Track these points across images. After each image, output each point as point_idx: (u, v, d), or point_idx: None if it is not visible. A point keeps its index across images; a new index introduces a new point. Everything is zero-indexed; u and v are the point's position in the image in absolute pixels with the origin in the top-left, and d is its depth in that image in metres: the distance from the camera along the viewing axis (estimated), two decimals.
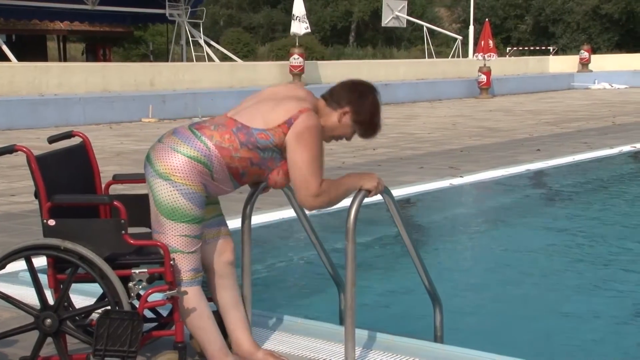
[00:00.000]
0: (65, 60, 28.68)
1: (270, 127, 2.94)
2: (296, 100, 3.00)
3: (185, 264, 2.94)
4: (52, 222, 2.90)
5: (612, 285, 4.92)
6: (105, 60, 27.30)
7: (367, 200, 3.03)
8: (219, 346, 3.01)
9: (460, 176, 8.33)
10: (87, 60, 27.77)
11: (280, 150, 2.96)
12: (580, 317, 4.33)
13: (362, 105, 3.01)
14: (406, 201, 7.07)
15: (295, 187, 2.96)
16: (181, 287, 2.92)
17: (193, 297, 2.96)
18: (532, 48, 37.64)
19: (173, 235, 2.92)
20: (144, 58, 33.90)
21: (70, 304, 3.25)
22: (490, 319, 4.26)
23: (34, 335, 2.99)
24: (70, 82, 16.74)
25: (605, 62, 29.39)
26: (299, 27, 20.91)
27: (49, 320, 2.92)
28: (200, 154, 2.91)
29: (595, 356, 3.84)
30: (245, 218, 3.21)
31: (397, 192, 3.23)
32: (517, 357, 3.17)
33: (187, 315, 2.97)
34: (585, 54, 28.77)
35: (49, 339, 2.96)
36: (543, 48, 36.45)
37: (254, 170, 3.00)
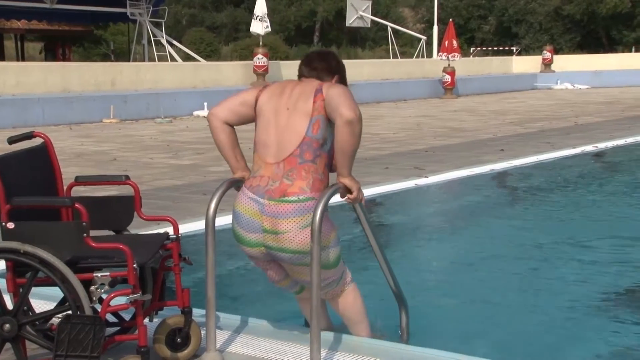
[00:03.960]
0: (23, 59, 28.26)
1: (310, 110, 3.09)
2: (307, 83, 3.22)
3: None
4: (11, 225, 2.85)
5: (578, 282, 4.98)
6: (64, 59, 26.93)
7: (331, 202, 3.03)
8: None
9: (425, 176, 8.38)
10: (47, 59, 27.39)
11: (331, 126, 3.10)
12: (546, 316, 4.37)
13: (341, 69, 3.38)
14: (372, 201, 7.08)
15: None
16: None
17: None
18: (495, 48, 38.12)
19: (337, 258, 3.28)
20: (104, 58, 33.61)
21: (30, 308, 3.20)
22: (455, 320, 4.28)
23: None
24: (28, 82, 16.50)
25: (568, 63, 29.90)
26: (259, 26, 20.88)
27: (7, 325, 2.88)
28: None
29: (562, 354, 3.87)
30: (209, 220, 3.18)
31: (363, 193, 3.29)
32: (482, 357, 3.19)
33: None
34: (547, 55, 29.24)
35: (8, 345, 2.92)
36: (506, 48, 36.95)
37: (329, 162, 3.20)
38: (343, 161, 3.08)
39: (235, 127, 3.31)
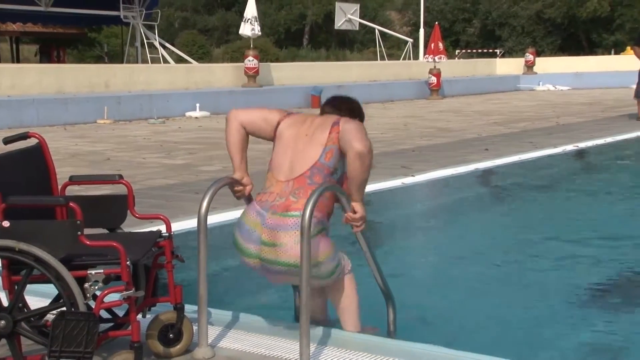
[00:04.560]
0: (18, 61, 28.23)
1: (325, 140, 3.28)
2: (327, 116, 3.44)
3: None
4: (6, 224, 2.88)
5: (561, 277, 5.06)
6: (59, 61, 26.92)
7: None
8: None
9: (412, 175, 8.46)
10: (41, 61, 27.35)
11: (344, 158, 3.29)
12: (532, 310, 4.43)
13: (362, 114, 3.62)
14: None
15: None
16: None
17: None
18: (480, 50, 38.23)
19: (330, 272, 3.38)
20: (98, 60, 33.57)
21: (25, 305, 3.23)
22: (442, 315, 4.34)
23: None
24: (23, 84, 16.51)
25: (549, 65, 30.07)
26: (248, 29, 20.95)
27: (3, 322, 2.91)
28: (319, 226, 3.23)
29: (547, 350, 3.94)
30: (201, 217, 3.24)
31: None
32: (468, 351, 3.25)
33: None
34: (530, 57, 29.38)
35: (3, 341, 2.95)
36: (490, 51, 37.09)
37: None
38: (354, 189, 3.31)
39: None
